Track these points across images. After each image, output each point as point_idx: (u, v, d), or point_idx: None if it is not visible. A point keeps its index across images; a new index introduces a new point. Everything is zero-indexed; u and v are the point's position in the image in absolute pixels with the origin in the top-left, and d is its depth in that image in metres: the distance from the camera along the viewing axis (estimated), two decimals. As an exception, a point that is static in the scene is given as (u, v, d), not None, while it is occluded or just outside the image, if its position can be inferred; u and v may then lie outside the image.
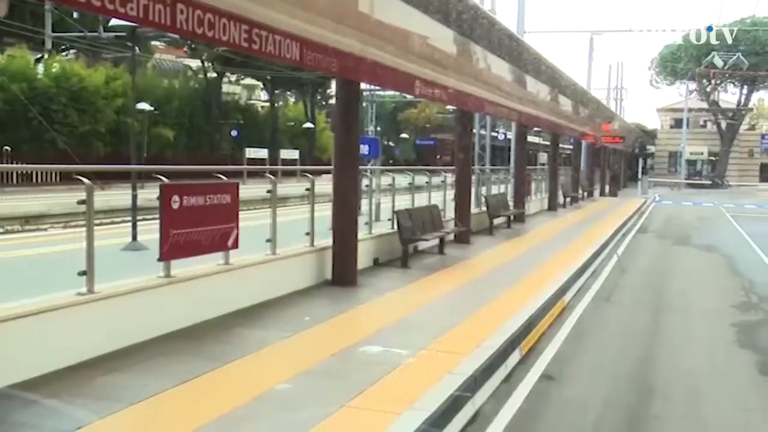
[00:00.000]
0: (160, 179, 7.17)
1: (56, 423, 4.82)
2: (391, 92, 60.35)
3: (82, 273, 6.15)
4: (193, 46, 52.69)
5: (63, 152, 41.73)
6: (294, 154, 50.63)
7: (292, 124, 68.32)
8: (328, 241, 9.92)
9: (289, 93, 73.41)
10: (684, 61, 61.09)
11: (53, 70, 42.82)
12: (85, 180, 6.33)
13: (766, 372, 7.75)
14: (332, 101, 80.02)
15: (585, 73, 39.94)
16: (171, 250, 7.05)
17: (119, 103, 46.29)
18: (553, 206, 25.87)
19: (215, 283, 7.75)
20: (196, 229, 7.40)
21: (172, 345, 6.61)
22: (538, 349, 8.07)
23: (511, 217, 19.15)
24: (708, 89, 62.56)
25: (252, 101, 70.96)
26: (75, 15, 29.69)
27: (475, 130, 21.31)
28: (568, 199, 29.04)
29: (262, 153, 45.55)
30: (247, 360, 6.42)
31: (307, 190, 9.89)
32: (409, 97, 62.09)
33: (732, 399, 6.78)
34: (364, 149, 17.83)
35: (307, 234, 9.81)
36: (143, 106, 38.84)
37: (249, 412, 5.14)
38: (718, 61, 48.61)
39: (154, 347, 6.48)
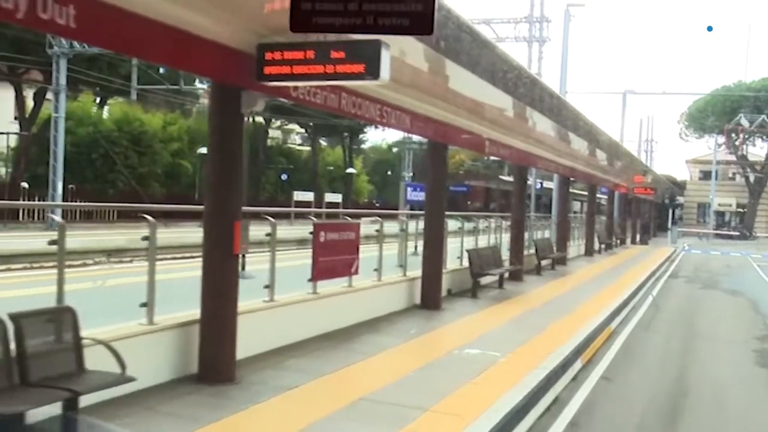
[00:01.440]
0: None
1: (281, 382, 7.03)
2: (420, 138, 62.49)
3: (266, 286, 8.42)
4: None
5: (122, 191, 44.75)
6: (337, 197, 53.11)
7: (332, 168, 71.23)
8: (417, 272, 12.17)
9: (323, 138, 75.78)
10: (712, 117, 63.22)
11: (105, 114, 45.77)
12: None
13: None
14: (363, 146, 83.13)
15: (618, 126, 42.16)
16: (319, 273, 9.33)
17: (175, 146, 49.47)
18: (589, 251, 27.92)
19: (343, 300, 10.00)
20: (333, 258, 9.68)
21: (325, 343, 8.85)
22: (595, 360, 10.17)
23: (554, 260, 21.25)
24: (736, 143, 64.46)
25: (290, 145, 74.00)
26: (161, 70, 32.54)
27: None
28: (602, 246, 31.06)
29: (309, 196, 48.08)
30: (383, 355, 8.63)
31: (402, 230, 12.19)
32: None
33: (749, 398, 8.84)
34: (423, 196, 20.20)
35: (400, 266, 12.07)
36: (204, 150, 41.68)
37: (399, 387, 7.32)
38: (745, 122, 50.70)
39: (314, 344, 8.72)
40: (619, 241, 36.49)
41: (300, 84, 7.00)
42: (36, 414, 5.00)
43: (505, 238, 17.98)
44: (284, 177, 53.91)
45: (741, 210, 69.78)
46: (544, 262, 20.06)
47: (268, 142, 64.66)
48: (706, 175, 71.58)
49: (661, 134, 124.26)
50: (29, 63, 33.47)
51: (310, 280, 9.30)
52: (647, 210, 51.78)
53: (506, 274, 16.32)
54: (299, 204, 46.65)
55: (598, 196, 46.70)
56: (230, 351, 6.79)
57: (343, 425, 5.98)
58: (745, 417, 8.03)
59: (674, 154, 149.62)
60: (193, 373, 6.86)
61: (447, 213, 13.43)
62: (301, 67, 6.41)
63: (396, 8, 4.23)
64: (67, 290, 5.84)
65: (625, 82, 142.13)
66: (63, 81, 28.95)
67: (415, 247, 13.96)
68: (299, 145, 75.27)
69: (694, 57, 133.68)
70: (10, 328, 4.77)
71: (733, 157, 67.46)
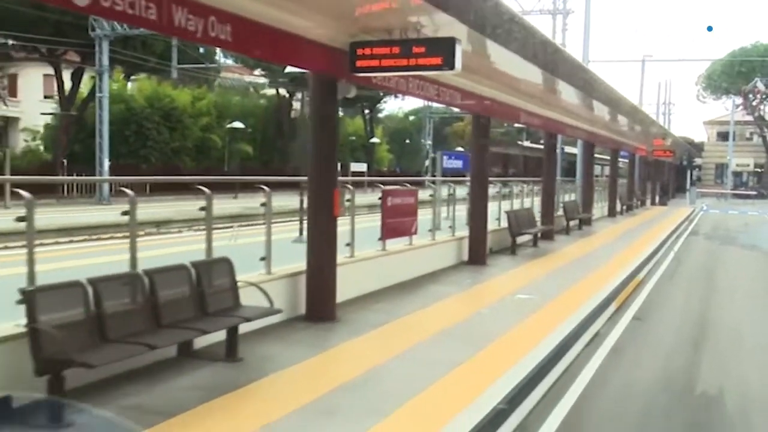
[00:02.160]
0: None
1: (371, 320, 8.54)
2: (438, 106, 63.34)
3: (347, 244, 9.91)
4: (267, 68, 56.89)
5: (154, 166, 46.37)
6: (362, 166, 54.54)
7: (353, 138, 72.56)
8: (464, 233, 13.64)
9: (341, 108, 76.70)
10: (730, 79, 63.83)
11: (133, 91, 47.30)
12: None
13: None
14: (380, 115, 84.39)
15: (637, 91, 43.16)
16: (387, 233, 10.82)
17: (204, 121, 50.99)
18: (612, 213, 29.26)
19: (406, 257, 11.49)
20: (397, 220, 11.15)
21: (397, 292, 10.37)
22: (626, 305, 11.60)
23: (581, 221, 22.64)
24: (754, 104, 65.09)
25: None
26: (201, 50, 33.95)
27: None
28: (624, 207, 32.36)
29: (361, 166, 49.69)
30: (448, 301, 10.14)
31: (450, 195, 13.62)
32: (455, 110, 66.06)
33: (762, 331, 10.28)
34: (458, 164, 21.60)
35: (450, 227, 13.55)
36: (237, 125, 43.27)
37: (467, 323, 8.82)
38: (761, 85, 51.50)
39: (388, 292, 10.25)
40: (639, 203, 37.76)
41: (387, 75, 8.41)
42: (204, 339, 6.55)
43: (535, 201, 19.36)
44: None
45: (759, 170, 70.61)
46: (571, 223, 21.45)
47: (291, 114, 65.96)
48: (723, 136, 72.31)
49: (678, 96, 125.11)
50: (68, 45, 34.94)
51: (380, 239, 10.78)
52: (666, 172, 52.87)
53: (539, 234, 17.75)
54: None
55: (618, 159, 47.95)
56: (332, 295, 8.30)
57: (430, 350, 7.48)
58: (758, 344, 9.49)
59: (692, 116, 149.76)
60: (301, 314, 8.37)
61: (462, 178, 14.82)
62: (388, 61, 7.83)
63: None
64: (191, 249, 7.34)
65: (645, 47, 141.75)
66: (106, 62, 30.36)
67: (447, 210, 15.35)
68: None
69: (712, 18, 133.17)
70: (193, 273, 6.29)
71: (750, 118, 68.09)
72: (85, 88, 41.54)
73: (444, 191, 14.52)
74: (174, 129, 48.66)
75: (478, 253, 13.35)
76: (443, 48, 7.60)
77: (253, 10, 6.53)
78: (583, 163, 25.54)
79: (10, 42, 33.32)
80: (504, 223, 15.93)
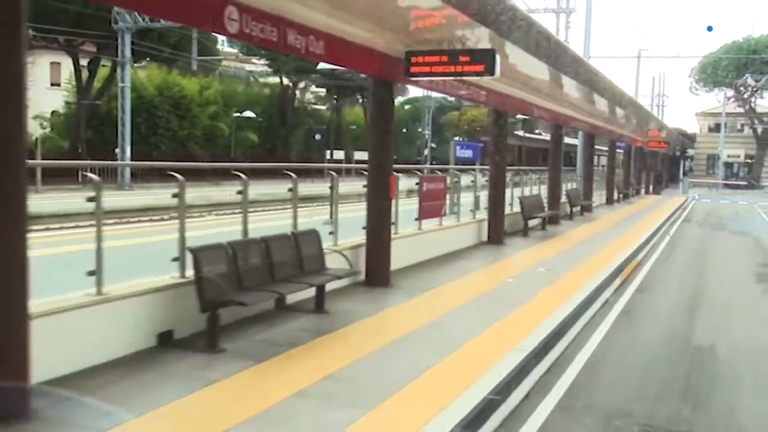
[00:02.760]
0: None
1: (419, 286, 10.09)
2: (435, 95, 64.54)
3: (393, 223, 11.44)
4: (271, 57, 58.22)
5: (164, 153, 47.69)
6: (364, 155, 55.85)
7: (354, 127, 74.02)
8: (483, 215, 15.21)
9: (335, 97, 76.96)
10: (722, 71, 65.54)
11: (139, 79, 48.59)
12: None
13: (771, 292, 12.87)
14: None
15: (633, 83, 44.66)
16: (423, 214, 12.36)
17: (212, 109, 52.37)
18: (610, 201, 30.89)
19: (437, 236, 13.04)
20: (431, 203, 12.70)
21: (432, 265, 11.94)
22: (629, 280, 13.18)
23: (582, 207, 24.24)
24: (745, 96, 66.80)
25: (316, 106, 76.66)
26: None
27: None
28: (620, 195, 34.00)
29: (340, 154, 50.94)
30: (476, 273, 11.72)
31: (473, 182, 15.17)
32: (451, 99, 67.45)
33: (749, 301, 11.89)
34: (469, 153, 23.16)
35: (471, 210, 15.11)
36: (249, 114, 44.73)
37: (499, 290, 10.39)
38: (751, 81, 53.24)
39: (425, 265, 11.80)
40: (634, 192, 39.41)
41: (435, 79, 9.94)
42: (293, 296, 8.10)
43: (542, 189, 20.92)
44: (318, 137, 56.70)
45: (749, 161, 72.43)
46: (574, 209, 23.05)
47: (295, 103, 67.36)
48: (715, 127, 74.01)
49: (672, 88, 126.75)
50: (87, 36, 36.25)
51: (416, 219, 12.33)
52: (659, 162, 54.55)
53: (547, 218, 19.33)
54: (332, 161, 49.63)
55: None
56: (387, 264, 9.86)
57: (473, 309, 9.03)
58: (745, 311, 11.10)
59: (684, 108, 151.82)
60: (361, 281, 9.91)
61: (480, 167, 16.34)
62: (438, 67, 9.36)
63: None
64: (266, 226, 8.87)
65: (640, 41, 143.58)
66: (128, 53, 31.75)
67: (457, 197, 16.84)
68: (313, 103, 77.57)
69: (705, 12, 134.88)
70: (294, 241, 7.85)
71: (741, 110, 69.81)
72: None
73: (465, 179, 16.01)
74: (183, 117, 49.95)
75: (496, 234, 14.93)
76: (485, 57, 9.12)
77: (338, 28, 8.04)
78: (584, 153, 27.14)
79: (31, 33, 34.52)
80: (516, 208, 17.48)
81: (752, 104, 69.08)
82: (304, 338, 7.03)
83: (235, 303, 6.44)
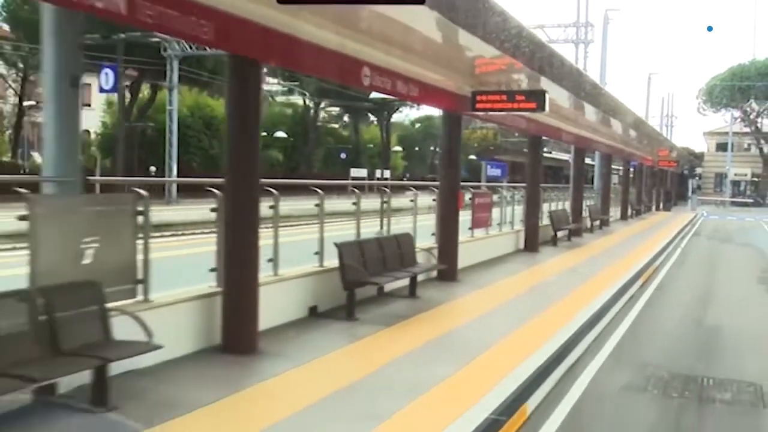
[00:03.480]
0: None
1: (479, 282, 12.38)
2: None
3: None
4: (294, 78, 60.77)
5: (196, 170, 50.12)
6: (386, 173, 58.37)
7: (371, 146, 76.56)
8: (519, 227, 17.51)
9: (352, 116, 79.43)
10: (728, 92, 67.95)
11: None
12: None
13: (771, 291, 15.13)
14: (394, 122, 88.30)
15: (643, 103, 47.02)
16: (475, 223, 14.67)
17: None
18: (624, 216, 33.15)
19: (485, 243, 15.34)
20: (479, 215, 15.00)
21: (484, 267, 14.23)
22: (649, 281, 15.42)
23: (601, 222, 26.52)
24: (751, 117, 69.17)
25: (333, 125, 79.25)
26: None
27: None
28: (633, 212, 36.25)
29: (363, 172, 53.32)
30: (524, 272, 14.03)
31: (512, 197, 17.49)
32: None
33: (751, 297, 14.14)
34: (498, 172, 25.48)
35: (509, 222, 17.42)
36: (280, 134, 47.29)
37: (545, 285, 12.67)
38: (755, 105, 55.74)
39: (479, 267, 14.09)
40: (646, 208, 41.65)
41: (496, 113, 12.29)
42: (387, 286, 10.38)
43: (565, 204, 23.23)
44: (343, 156, 59.21)
45: (755, 179, 74.66)
46: (594, 223, 25.32)
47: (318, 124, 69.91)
48: (722, 147, 76.32)
49: (680, 108, 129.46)
50: (132, 62, 38.81)
51: (470, 228, 14.63)
52: (669, 180, 56.79)
53: (571, 230, 21.61)
54: (355, 179, 52.06)
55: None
56: (455, 263, 12.16)
57: (528, 298, 11.31)
58: (747, 304, 13.36)
59: (692, 127, 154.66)
60: (434, 276, 12.17)
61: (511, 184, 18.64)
62: (498, 104, 11.70)
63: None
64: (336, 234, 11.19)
65: (651, 63, 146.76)
66: (176, 79, 34.28)
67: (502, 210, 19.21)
68: (327, 122, 79.98)
69: (713, 35, 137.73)
70: (397, 241, 10.17)
71: (748, 130, 72.13)
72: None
73: (507, 195, 18.29)
74: (214, 136, 52.48)
75: (532, 243, 17.22)
76: (537, 97, 11.47)
77: (427, 76, 10.41)
78: (602, 172, 29.45)
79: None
80: (545, 221, 19.76)
81: (758, 125, 71.39)
82: (408, 314, 9.30)
83: (370, 283, 8.75)
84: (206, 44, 7.68)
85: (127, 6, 5.25)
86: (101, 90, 34.24)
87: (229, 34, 6.50)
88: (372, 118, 76.86)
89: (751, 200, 68.15)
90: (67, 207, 5.80)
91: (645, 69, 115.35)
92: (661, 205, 49.31)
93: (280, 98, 69.25)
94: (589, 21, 30.60)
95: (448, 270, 11.94)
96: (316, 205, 9.61)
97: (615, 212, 33.77)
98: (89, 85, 56.37)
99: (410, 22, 8.17)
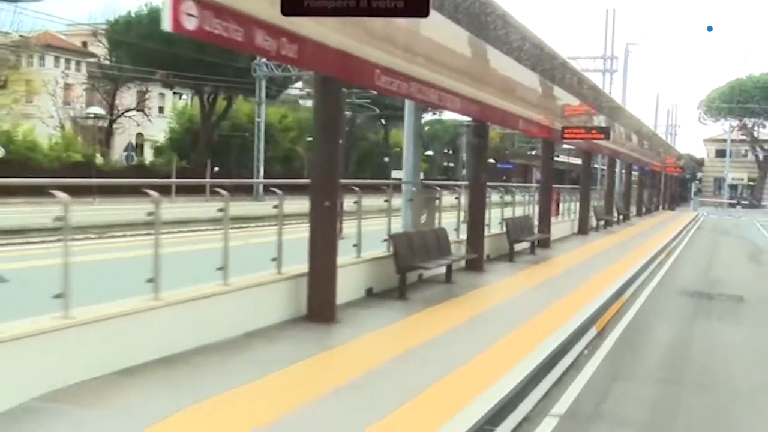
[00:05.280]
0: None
1: (537, 258, 18.90)
2: (452, 116, 73.26)
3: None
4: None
5: (251, 171, 56.43)
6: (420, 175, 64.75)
7: (398, 149, 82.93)
8: (574, 217, 24.12)
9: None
10: (728, 105, 74.71)
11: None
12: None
13: (756, 264, 21.69)
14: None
15: (651, 113, 53.63)
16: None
17: (291, 135, 61.52)
18: (639, 213, 39.76)
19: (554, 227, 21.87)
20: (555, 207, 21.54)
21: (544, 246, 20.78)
22: (669, 255, 21.94)
23: (623, 216, 33.09)
24: (748, 126, 75.89)
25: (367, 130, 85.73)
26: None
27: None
28: (645, 210, 42.86)
29: (401, 174, 59.63)
30: (580, 248, 20.57)
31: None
32: (465, 120, 75.63)
33: (742, 267, 20.71)
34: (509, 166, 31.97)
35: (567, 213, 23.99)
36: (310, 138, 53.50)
37: (599, 253, 19.22)
38: (749, 122, 62.65)
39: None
40: (655, 207, 48.29)
41: (579, 140, 18.86)
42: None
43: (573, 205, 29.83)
44: (387, 159, 65.80)
45: (751, 183, 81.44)
46: (620, 217, 31.92)
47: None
48: (721, 153, 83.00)
49: (682, 117, 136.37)
50: (214, 80, 45.33)
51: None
52: (672, 184, 63.45)
53: (606, 221, 28.10)
54: (396, 179, 58.49)
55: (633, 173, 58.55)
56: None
57: (578, 270, 17.81)
58: (738, 268, 19.90)
59: (694, 134, 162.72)
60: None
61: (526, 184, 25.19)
62: (580, 135, 18.28)
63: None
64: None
65: (657, 74, 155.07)
66: (263, 96, 40.83)
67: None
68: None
69: (713, 37, 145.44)
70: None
71: (745, 137, 78.83)
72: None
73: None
74: (267, 141, 58.90)
75: (584, 228, 23.78)
76: (605, 130, 18.06)
77: (531, 115, 16.97)
78: (625, 177, 36.09)
79: (174, 79, 43.77)
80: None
81: (755, 134, 78.12)
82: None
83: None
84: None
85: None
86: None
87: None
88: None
89: (747, 202, 74.81)
90: (416, 195, 12.34)
91: (653, 80, 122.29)
92: (666, 206, 55.92)
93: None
94: (615, 54, 37.11)
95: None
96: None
97: (632, 209, 40.31)
98: (164, 95, 62.85)
99: (523, 81, 14.17)
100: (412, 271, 11.11)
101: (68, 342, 5.88)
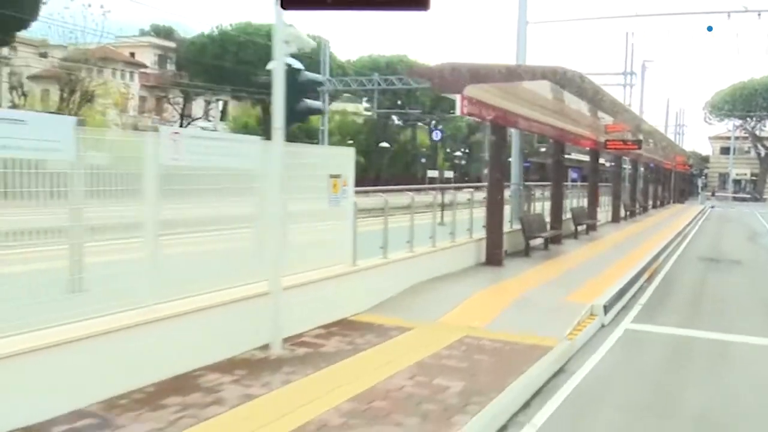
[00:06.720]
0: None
1: (588, 238, 25.02)
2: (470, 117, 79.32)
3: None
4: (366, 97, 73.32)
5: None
6: (449, 173, 70.85)
7: (424, 149, 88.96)
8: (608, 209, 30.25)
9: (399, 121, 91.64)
10: (731, 106, 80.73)
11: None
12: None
13: (752, 242, 27.80)
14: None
15: (662, 115, 59.54)
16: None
17: (334, 139, 67.60)
18: (654, 206, 45.82)
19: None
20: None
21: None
22: (684, 238, 28.00)
23: (644, 207, 39.12)
24: (750, 125, 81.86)
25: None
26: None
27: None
28: (658, 203, 48.91)
29: (434, 173, 65.82)
30: (619, 232, 26.71)
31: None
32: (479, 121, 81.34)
33: (742, 246, 26.79)
34: (526, 164, 38.14)
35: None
36: (384, 144, 59.86)
37: (627, 238, 25.32)
38: (748, 126, 68.67)
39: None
40: (667, 201, 54.31)
41: (618, 151, 24.95)
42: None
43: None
44: (423, 160, 72.04)
45: (754, 178, 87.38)
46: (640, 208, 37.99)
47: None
48: (726, 150, 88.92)
49: (689, 116, 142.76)
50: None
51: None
52: (680, 180, 69.43)
53: (629, 211, 34.15)
54: (432, 180, 64.74)
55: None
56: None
57: (615, 249, 23.91)
58: (740, 246, 25.95)
59: (700, 131, 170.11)
60: (609, 220, 24.75)
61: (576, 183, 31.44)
62: (619, 146, 24.39)
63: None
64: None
65: (669, 83, 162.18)
66: (327, 107, 46.90)
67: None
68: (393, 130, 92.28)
69: (719, 54, 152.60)
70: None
71: (748, 135, 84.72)
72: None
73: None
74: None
75: (616, 215, 29.85)
76: (639, 142, 24.13)
77: (582, 132, 23.05)
78: (646, 175, 42.10)
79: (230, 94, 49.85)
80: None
81: (758, 131, 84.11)
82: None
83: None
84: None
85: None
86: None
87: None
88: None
89: (749, 196, 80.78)
90: (516, 191, 18.55)
91: (663, 85, 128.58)
92: (677, 199, 61.92)
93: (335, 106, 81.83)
94: (634, 71, 42.98)
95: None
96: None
97: (648, 202, 46.30)
98: (207, 102, 68.80)
99: (581, 109, 20.28)
100: (534, 238, 17.88)
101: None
